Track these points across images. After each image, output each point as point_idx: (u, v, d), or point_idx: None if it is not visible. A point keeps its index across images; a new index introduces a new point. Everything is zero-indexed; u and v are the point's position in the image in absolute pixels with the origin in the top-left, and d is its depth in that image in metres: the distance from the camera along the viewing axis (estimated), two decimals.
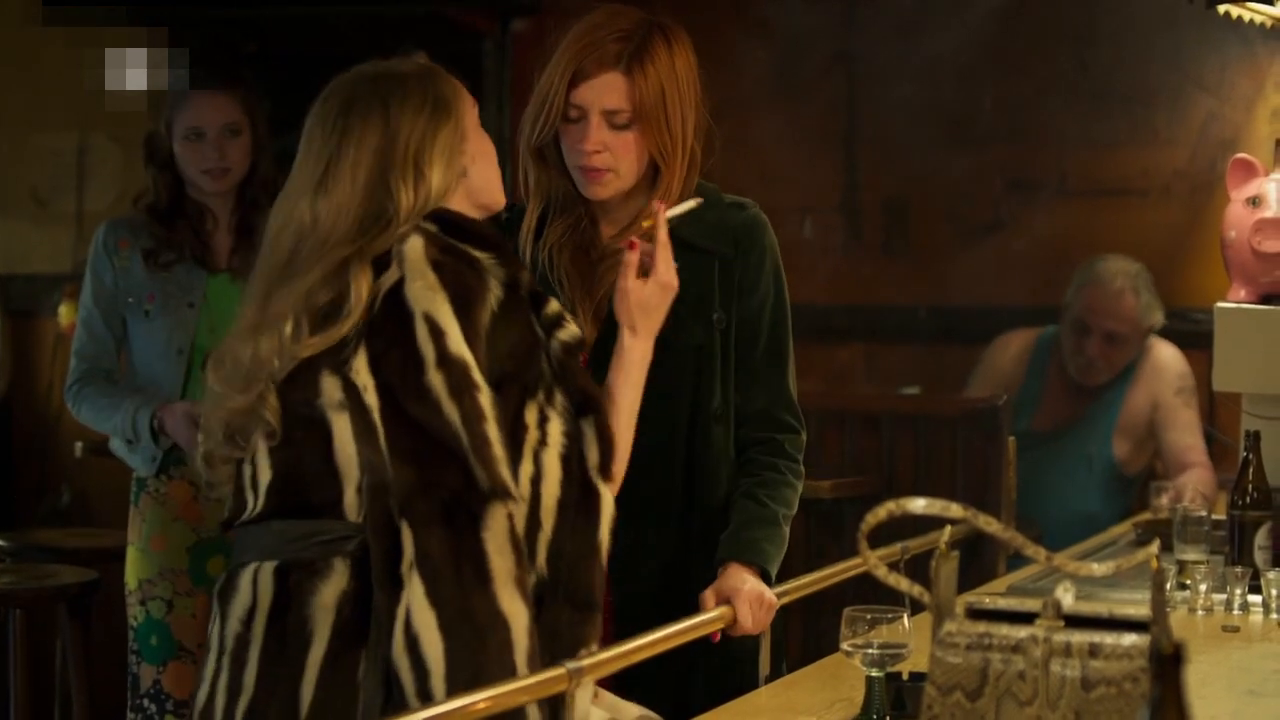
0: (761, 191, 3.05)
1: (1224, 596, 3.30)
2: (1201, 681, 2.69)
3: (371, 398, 2.34)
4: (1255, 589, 3.31)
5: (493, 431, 2.32)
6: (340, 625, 2.37)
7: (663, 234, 2.70)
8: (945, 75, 5.75)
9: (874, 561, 1.99)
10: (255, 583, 2.43)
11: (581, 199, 2.94)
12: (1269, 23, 4.16)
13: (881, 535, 2.32)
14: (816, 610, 3.62)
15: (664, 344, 2.89)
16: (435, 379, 2.32)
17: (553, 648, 2.37)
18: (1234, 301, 3.82)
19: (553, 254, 2.93)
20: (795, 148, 5.84)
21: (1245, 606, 3.28)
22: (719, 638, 2.77)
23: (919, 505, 1.92)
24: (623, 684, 2.86)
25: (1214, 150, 5.47)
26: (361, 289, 2.37)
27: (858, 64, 5.88)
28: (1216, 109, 5.52)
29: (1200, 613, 3.27)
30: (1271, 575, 3.28)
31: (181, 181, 3.98)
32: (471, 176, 2.53)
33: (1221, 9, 3.95)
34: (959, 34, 5.72)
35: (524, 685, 2.31)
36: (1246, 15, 4.04)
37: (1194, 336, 4.94)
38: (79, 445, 5.35)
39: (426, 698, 2.26)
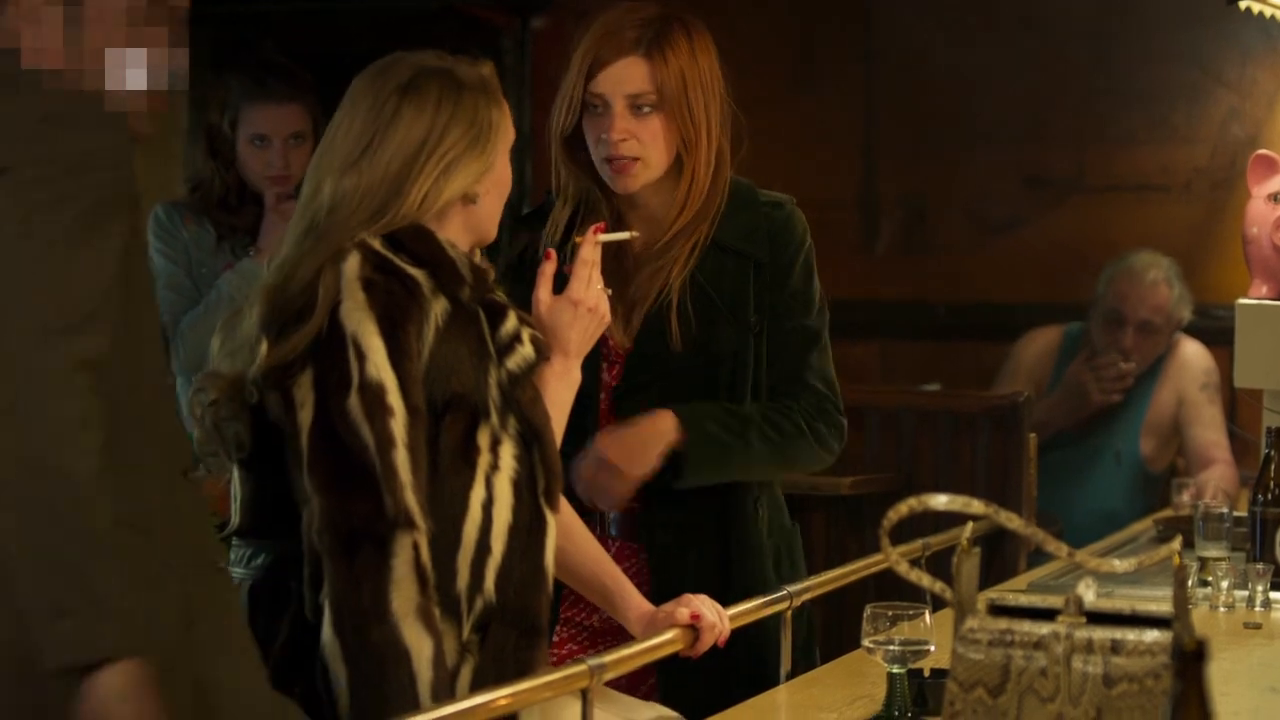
0: (779, 188, 3.05)
1: (1246, 593, 3.29)
2: (1223, 678, 2.68)
3: (306, 416, 2.32)
4: (1277, 586, 3.30)
5: (401, 458, 2.29)
6: (281, 648, 2.37)
7: (585, 252, 2.65)
8: (963, 72, 5.74)
9: (895, 558, 1.99)
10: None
11: (609, 200, 2.93)
12: None
13: (903, 532, 2.32)
14: (838, 607, 3.61)
15: (700, 349, 2.89)
16: (354, 403, 2.29)
17: (497, 672, 2.36)
18: (1255, 298, 3.81)
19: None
20: (813, 145, 5.84)
21: (1267, 603, 3.27)
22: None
23: (940, 502, 1.91)
24: (646, 682, 2.86)
25: (1234, 147, 5.45)
26: (326, 301, 2.34)
27: (875, 61, 5.87)
28: (1237, 105, 5.51)
29: (1222, 609, 3.27)
30: None
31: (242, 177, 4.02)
32: (479, 207, 2.49)
33: (1242, 5, 3.93)
34: (977, 30, 5.71)
35: (546, 681, 2.32)
36: (1268, 11, 4.02)
37: (1215, 333, 4.93)
38: None
39: None
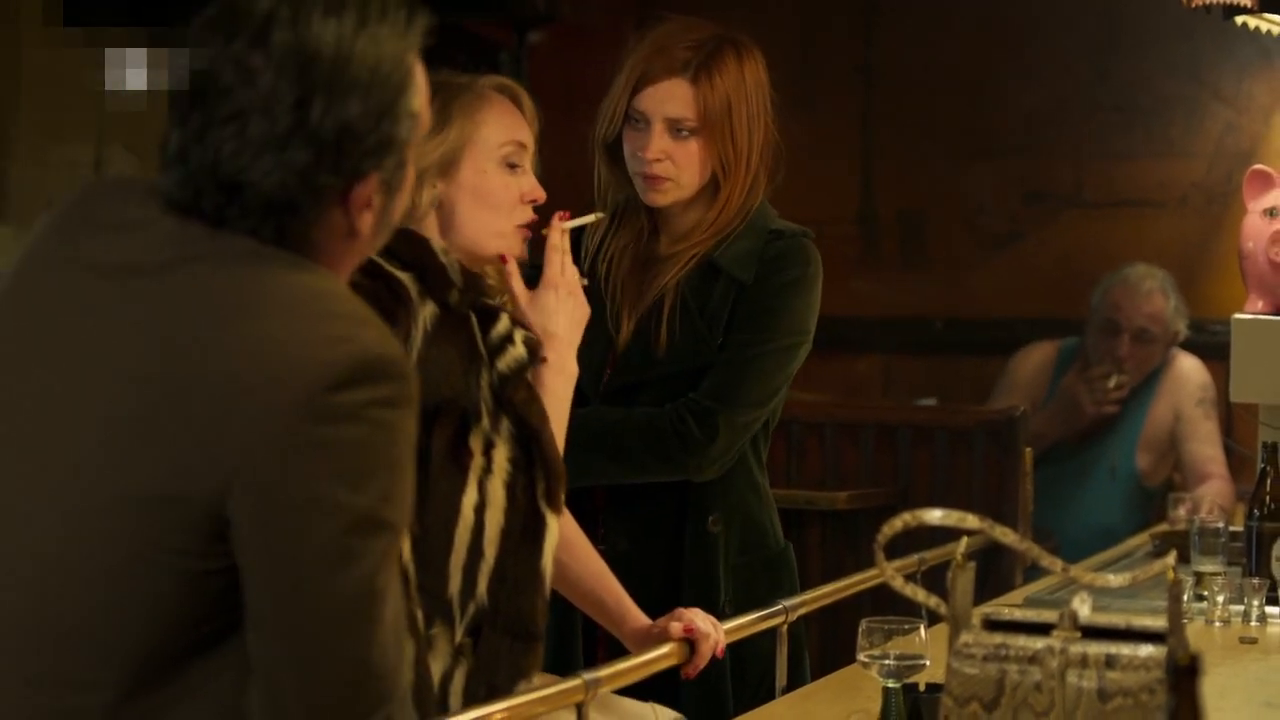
0: (777, 203, 3.06)
1: (1241, 608, 3.29)
2: (1219, 693, 2.68)
3: None
4: (1273, 600, 3.30)
5: None
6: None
7: (553, 239, 2.59)
8: (962, 87, 5.75)
9: (890, 573, 1.99)
10: None
11: (644, 209, 2.93)
12: None
13: (898, 546, 2.32)
14: (833, 621, 3.62)
15: (677, 359, 2.89)
16: None
17: (491, 677, 2.35)
18: (1251, 313, 3.81)
19: (612, 262, 2.93)
20: (812, 159, 5.82)
21: (1263, 618, 3.27)
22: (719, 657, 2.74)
23: (936, 516, 1.91)
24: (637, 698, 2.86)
25: (1231, 161, 5.46)
26: None
27: (874, 75, 5.88)
28: (1234, 120, 5.52)
29: (1217, 624, 3.26)
30: None
31: None
32: (450, 210, 2.45)
33: (1239, 20, 3.94)
34: (976, 45, 5.72)
35: (542, 695, 2.31)
36: (1264, 26, 4.03)
37: (1211, 348, 4.93)
38: None
39: None
